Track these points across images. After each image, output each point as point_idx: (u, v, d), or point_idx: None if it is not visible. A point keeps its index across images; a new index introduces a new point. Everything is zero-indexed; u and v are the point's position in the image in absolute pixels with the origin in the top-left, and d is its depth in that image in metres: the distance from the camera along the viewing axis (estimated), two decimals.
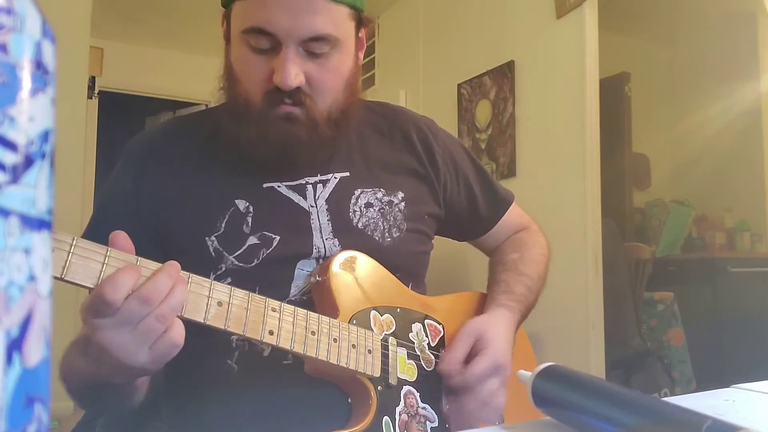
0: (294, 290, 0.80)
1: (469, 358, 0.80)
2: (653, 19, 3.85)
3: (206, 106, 4.70)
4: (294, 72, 0.75)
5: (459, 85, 3.19)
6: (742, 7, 3.60)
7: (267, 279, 0.78)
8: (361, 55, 0.89)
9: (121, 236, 0.60)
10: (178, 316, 0.60)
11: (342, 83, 0.82)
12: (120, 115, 4.66)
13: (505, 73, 2.89)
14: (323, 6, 0.75)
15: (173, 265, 0.61)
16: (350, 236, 0.83)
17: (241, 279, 0.77)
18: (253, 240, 0.80)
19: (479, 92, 3.06)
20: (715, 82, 3.86)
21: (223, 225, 0.80)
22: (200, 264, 0.74)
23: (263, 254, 0.79)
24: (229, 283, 0.67)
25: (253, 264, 0.79)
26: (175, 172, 0.84)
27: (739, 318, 3.11)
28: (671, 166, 4.15)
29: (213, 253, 0.79)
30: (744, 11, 3.60)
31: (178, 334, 0.59)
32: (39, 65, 0.24)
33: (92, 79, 4.11)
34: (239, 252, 0.79)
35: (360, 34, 0.87)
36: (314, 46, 0.76)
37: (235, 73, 0.81)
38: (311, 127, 0.79)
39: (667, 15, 3.78)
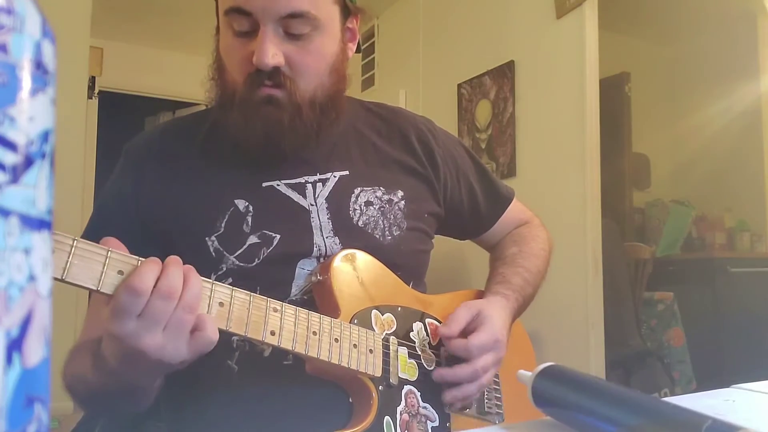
0: (295, 290, 0.80)
1: (468, 333, 0.80)
2: (653, 19, 3.85)
3: (206, 106, 4.73)
4: (271, 51, 0.75)
5: (459, 85, 3.19)
6: (742, 6, 3.60)
7: (268, 278, 0.78)
8: (353, 46, 0.88)
9: (112, 241, 0.60)
10: None
11: (326, 67, 0.81)
12: (120, 115, 4.66)
13: (505, 73, 2.89)
14: None
15: (177, 259, 0.61)
16: (351, 234, 0.83)
17: (242, 279, 0.77)
18: (253, 239, 0.80)
19: (479, 92, 3.06)
20: (715, 82, 3.86)
21: (223, 225, 0.80)
22: (201, 264, 0.74)
23: (264, 253, 0.79)
24: (230, 284, 0.67)
25: (254, 264, 0.79)
26: (175, 173, 0.84)
27: (739, 318, 3.11)
28: (671, 166, 4.15)
29: (213, 254, 0.79)
30: (744, 11, 3.60)
31: (212, 331, 0.61)
32: (39, 65, 0.24)
33: (92, 79, 4.11)
34: (240, 252, 0.79)
35: (350, 24, 0.86)
36: (293, 25, 0.76)
37: (222, 62, 0.82)
38: (294, 111, 0.79)
39: (667, 15, 3.78)
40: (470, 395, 0.80)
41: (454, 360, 0.80)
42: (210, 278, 0.65)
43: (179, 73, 4.65)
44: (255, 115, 0.78)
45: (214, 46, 0.84)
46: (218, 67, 0.83)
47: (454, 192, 0.96)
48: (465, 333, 0.80)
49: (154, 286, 0.58)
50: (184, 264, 0.62)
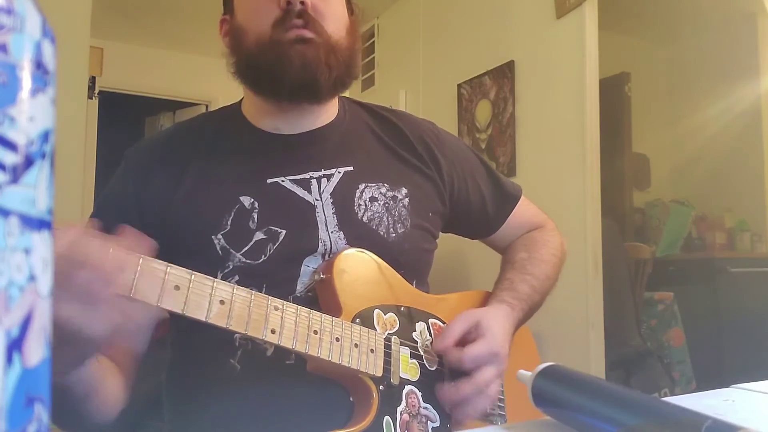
0: (300, 287, 0.80)
1: (466, 344, 0.79)
2: (653, 19, 3.85)
3: (206, 106, 4.73)
4: None
5: (459, 85, 3.19)
6: (742, 7, 3.60)
7: (274, 276, 0.78)
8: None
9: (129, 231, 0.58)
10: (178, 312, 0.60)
11: (342, 25, 0.85)
12: (120, 115, 4.66)
13: (505, 73, 2.89)
14: None
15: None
16: (355, 230, 0.83)
17: (248, 276, 0.77)
18: (259, 235, 0.80)
19: (479, 92, 3.06)
20: (715, 82, 3.86)
21: (229, 222, 0.80)
22: (208, 263, 0.74)
23: (270, 250, 0.80)
24: (236, 281, 0.67)
25: (261, 260, 0.79)
26: (180, 175, 0.84)
27: (739, 318, 3.11)
28: (671, 166, 4.15)
29: (220, 252, 0.79)
30: (744, 11, 3.60)
31: (142, 317, 0.55)
32: (39, 65, 0.24)
33: (92, 79, 4.10)
34: (246, 248, 0.79)
35: (351, 17, 0.90)
36: None
37: (242, 27, 0.84)
38: (327, 48, 0.82)
39: (667, 15, 3.78)
40: (479, 407, 0.79)
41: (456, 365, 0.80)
42: (217, 276, 0.65)
43: (179, 73, 4.65)
44: (289, 52, 0.80)
45: (227, 23, 0.88)
46: (234, 36, 0.85)
47: (461, 192, 0.96)
48: (463, 343, 0.80)
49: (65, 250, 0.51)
50: (190, 264, 0.62)
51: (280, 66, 0.80)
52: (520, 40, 2.83)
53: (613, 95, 3.54)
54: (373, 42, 3.93)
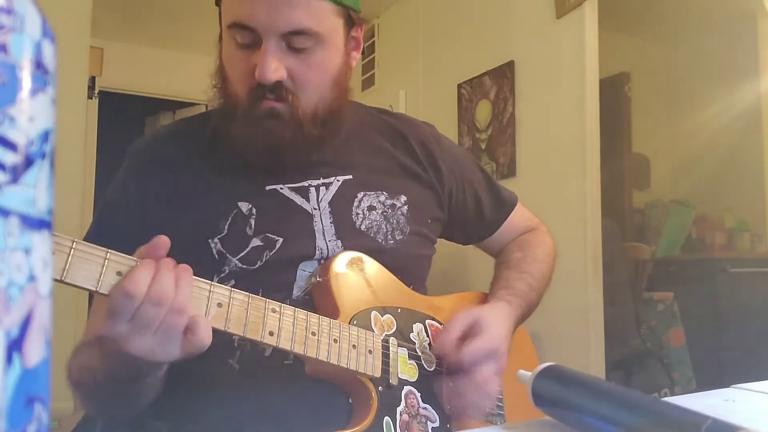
0: (296, 291, 0.80)
1: (465, 341, 0.80)
2: (653, 19, 3.85)
3: (206, 106, 4.72)
4: (273, 66, 0.75)
5: (459, 85, 3.19)
6: (742, 7, 3.60)
7: (270, 281, 0.78)
8: (356, 55, 0.88)
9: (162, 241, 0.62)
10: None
11: (328, 80, 0.81)
12: (120, 115, 4.66)
13: (505, 73, 2.89)
14: (303, 0, 0.75)
15: (168, 261, 0.61)
16: (353, 238, 0.83)
17: (244, 281, 0.77)
18: (256, 242, 0.80)
19: (479, 92, 3.06)
20: (715, 82, 3.86)
21: (226, 227, 0.80)
22: (204, 266, 0.74)
23: (266, 256, 0.79)
24: (232, 286, 0.67)
25: (257, 266, 0.79)
26: (178, 175, 0.84)
27: (739, 318, 3.11)
28: (671, 166, 4.15)
29: (216, 255, 0.79)
30: (744, 11, 3.60)
31: (204, 334, 0.61)
32: (39, 65, 0.24)
33: (92, 79, 4.10)
34: (243, 254, 0.79)
35: (354, 33, 0.86)
36: (295, 40, 0.76)
37: (225, 72, 0.82)
38: (296, 125, 0.79)
39: (667, 15, 3.78)
40: (480, 406, 0.79)
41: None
42: (213, 280, 0.65)
43: (179, 73, 4.65)
44: (257, 129, 0.78)
45: (218, 53, 0.84)
46: (221, 77, 0.83)
47: (458, 197, 0.97)
48: (463, 341, 0.80)
49: (149, 291, 0.58)
50: (186, 266, 0.62)
51: (248, 141, 0.80)
52: (520, 40, 2.83)
53: (613, 95, 3.54)
54: (373, 42, 3.93)
